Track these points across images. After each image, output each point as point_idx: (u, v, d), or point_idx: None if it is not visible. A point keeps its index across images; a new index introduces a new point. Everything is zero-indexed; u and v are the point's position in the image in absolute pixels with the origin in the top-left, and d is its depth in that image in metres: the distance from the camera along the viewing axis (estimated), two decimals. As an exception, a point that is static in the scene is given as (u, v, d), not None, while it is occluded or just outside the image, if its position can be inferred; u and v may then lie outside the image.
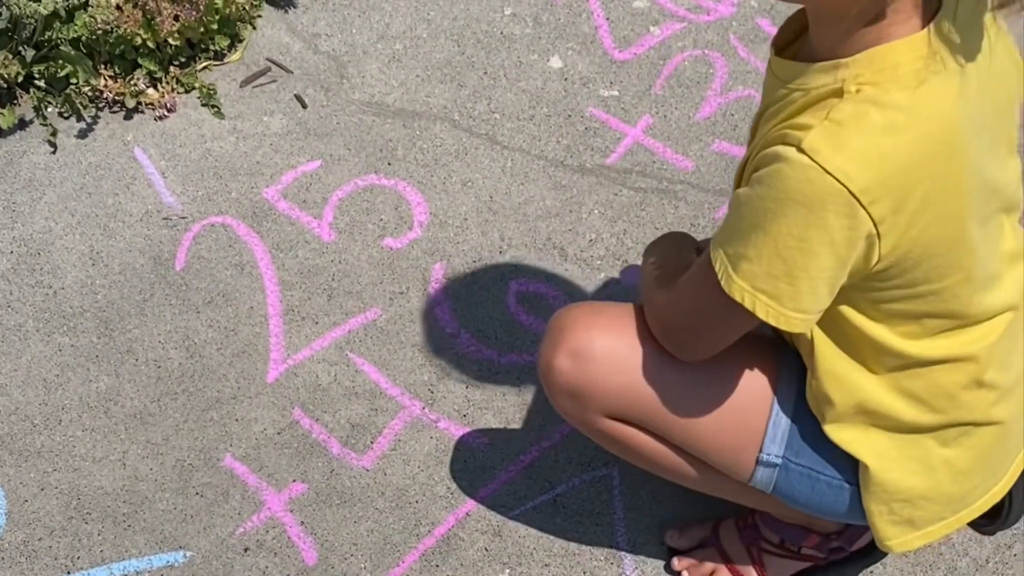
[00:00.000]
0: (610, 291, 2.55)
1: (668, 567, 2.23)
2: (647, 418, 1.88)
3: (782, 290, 1.57)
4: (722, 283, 1.61)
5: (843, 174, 1.48)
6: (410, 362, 2.46)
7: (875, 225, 1.52)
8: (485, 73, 2.88)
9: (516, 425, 2.39)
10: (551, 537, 2.27)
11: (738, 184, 1.73)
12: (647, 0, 3.01)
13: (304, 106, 2.82)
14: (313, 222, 2.64)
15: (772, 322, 1.60)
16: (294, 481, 2.32)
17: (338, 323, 2.51)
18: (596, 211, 2.65)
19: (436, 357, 2.47)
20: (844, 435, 1.80)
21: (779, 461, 1.85)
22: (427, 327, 2.50)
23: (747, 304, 1.60)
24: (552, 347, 1.88)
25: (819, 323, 1.71)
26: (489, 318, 2.52)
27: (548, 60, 2.90)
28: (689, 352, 1.79)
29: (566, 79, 2.87)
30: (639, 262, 2.55)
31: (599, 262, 2.58)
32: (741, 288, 1.60)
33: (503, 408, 2.41)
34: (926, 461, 1.81)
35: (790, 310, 1.59)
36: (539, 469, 2.34)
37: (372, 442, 2.37)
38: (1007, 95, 1.65)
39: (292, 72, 2.88)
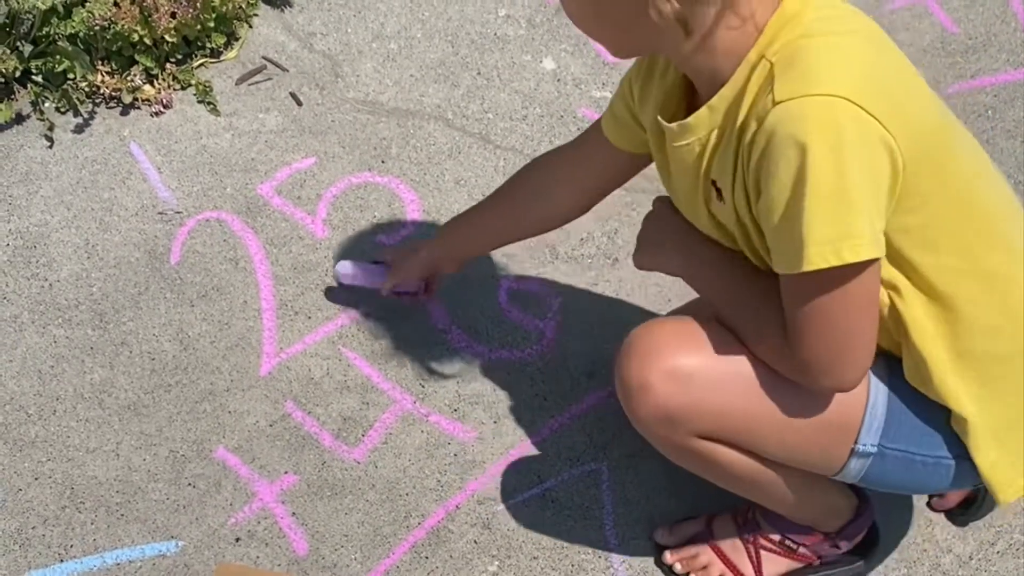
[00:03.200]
0: (601, 289, 2.57)
1: (659, 561, 2.25)
2: (743, 433, 1.86)
3: (851, 222, 1.57)
4: (807, 268, 1.60)
5: (827, 88, 1.53)
6: (402, 357, 2.48)
7: (880, 123, 1.55)
8: (479, 73, 2.90)
9: (506, 420, 2.41)
10: (540, 531, 2.29)
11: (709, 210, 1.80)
12: (640, 3, 3.03)
13: (299, 104, 2.84)
14: (307, 218, 2.66)
15: (864, 255, 1.58)
16: (286, 473, 2.34)
17: (330, 318, 2.53)
18: (587, 210, 2.68)
19: (428, 352, 2.49)
20: (948, 392, 1.79)
21: (874, 450, 1.85)
22: (419, 323, 2.53)
23: (833, 260, 1.58)
24: (643, 367, 1.83)
25: (890, 287, 1.74)
26: (480, 314, 2.54)
27: (541, 61, 2.93)
28: (848, 367, 1.73)
29: (559, 80, 2.90)
30: (630, 261, 2.58)
31: (590, 260, 2.61)
32: (819, 254, 1.58)
33: (493, 403, 2.43)
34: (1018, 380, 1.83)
35: (867, 235, 1.58)
36: (529, 463, 2.36)
37: (363, 435, 2.39)
38: None
39: (288, 70, 2.90)
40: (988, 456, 1.83)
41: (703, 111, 1.69)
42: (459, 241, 2.36)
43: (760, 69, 1.61)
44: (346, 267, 2.48)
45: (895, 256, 1.71)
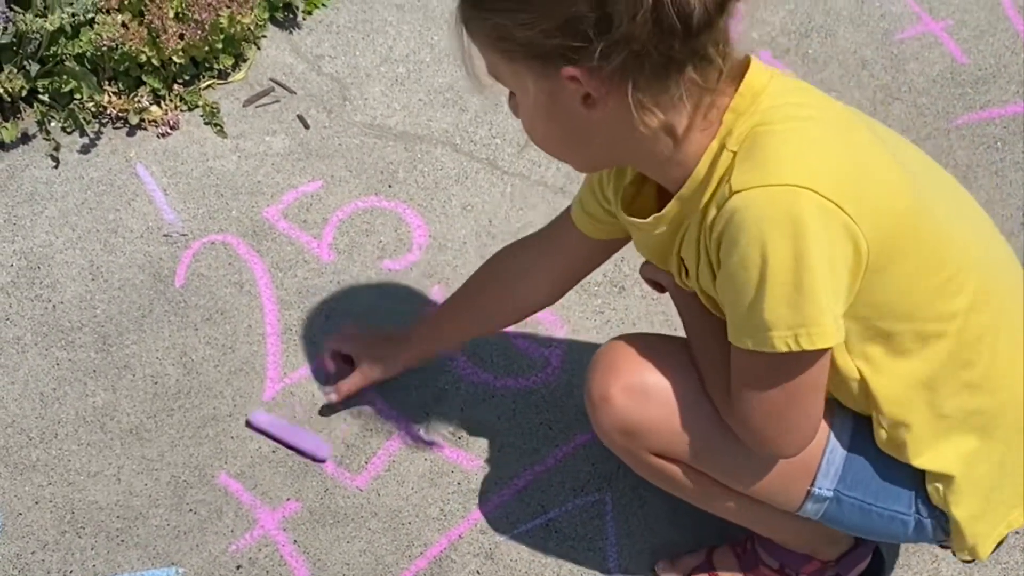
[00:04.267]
0: (607, 317, 2.56)
1: (658, 583, 2.24)
2: (698, 458, 1.89)
3: (809, 311, 1.58)
4: (765, 349, 1.62)
5: (785, 178, 1.54)
6: (406, 384, 2.46)
7: (841, 209, 1.55)
8: (487, 98, 2.89)
9: (510, 449, 2.40)
10: (543, 561, 2.27)
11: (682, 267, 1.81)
12: (649, 29, 3.03)
13: (306, 126, 2.83)
14: (313, 242, 2.65)
15: (818, 344, 1.60)
16: (288, 500, 2.32)
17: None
18: (594, 238, 2.67)
19: (432, 379, 2.47)
20: (931, 457, 1.81)
21: (830, 494, 1.87)
22: (424, 349, 2.51)
23: (792, 345, 1.60)
24: (606, 380, 1.88)
25: (861, 358, 1.74)
26: (485, 342, 2.52)
27: (550, 87, 2.92)
28: (789, 440, 1.76)
29: (567, 106, 2.88)
30: (637, 289, 2.57)
31: (596, 288, 2.59)
32: (782, 338, 1.60)
33: (498, 431, 2.42)
34: (1007, 438, 1.84)
35: (824, 324, 1.59)
36: (532, 493, 2.35)
37: (366, 462, 2.37)
38: None
39: (295, 93, 2.89)
40: (969, 510, 1.85)
41: (674, 204, 1.71)
42: (431, 341, 2.37)
43: (723, 159, 1.62)
44: (260, 416, 2.41)
45: (868, 328, 1.71)
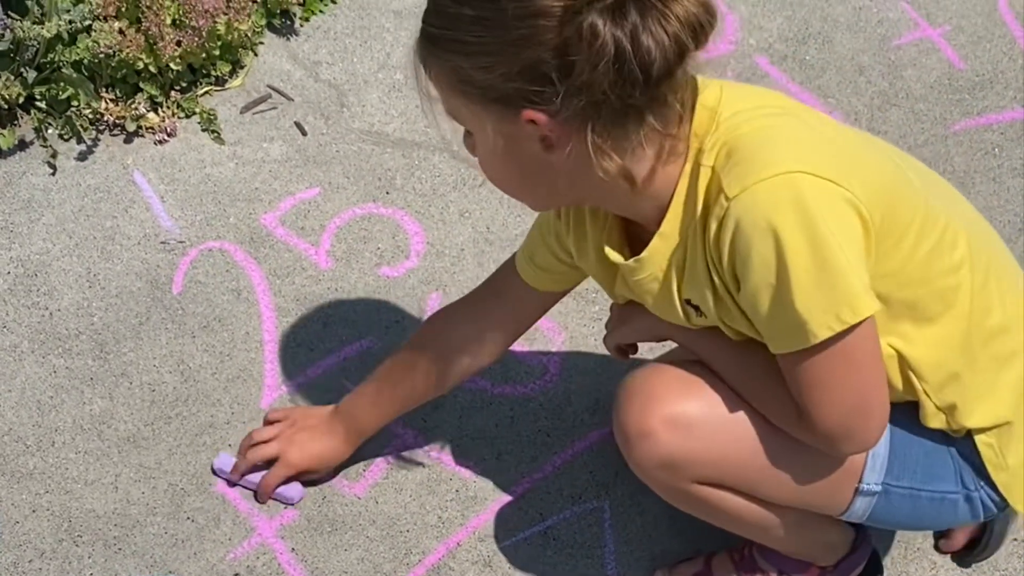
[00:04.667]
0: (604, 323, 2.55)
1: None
2: (745, 480, 1.87)
3: (841, 288, 1.58)
4: (810, 342, 1.61)
5: (776, 169, 1.55)
6: (404, 391, 2.46)
7: (836, 184, 1.56)
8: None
9: (508, 456, 2.39)
10: (541, 569, 2.27)
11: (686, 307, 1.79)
12: (647, 36, 3.02)
13: (304, 133, 2.83)
14: (311, 249, 2.65)
15: (863, 314, 1.59)
16: (285, 508, 2.32)
17: (333, 350, 2.51)
18: (592, 244, 2.66)
19: (430, 387, 2.47)
20: (986, 410, 1.82)
21: (879, 488, 1.86)
22: (422, 356, 2.51)
23: (835, 326, 1.59)
24: (645, 413, 1.82)
25: (891, 334, 1.74)
26: (484, 349, 2.52)
27: (547, 93, 2.92)
28: (867, 427, 1.73)
29: (565, 112, 2.88)
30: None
31: (594, 295, 2.59)
32: (822, 324, 1.60)
33: (495, 439, 2.41)
34: None
35: (858, 295, 1.59)
36: (530, 501, 2.35)
37: (364, 470, 2.37)
38: None
39: (292, 99, 2.89)
40: (1020, 454, 1.86)
41: (656, 242, 1.71)
42: (367, 419, 2.28)
43: (702, 176, 1.62)
44: (225, 462, 2.35)
45: (891, 303, 1.71)
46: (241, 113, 2.86)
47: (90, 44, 2.69)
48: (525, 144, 1.61)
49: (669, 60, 1.50)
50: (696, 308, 1.76)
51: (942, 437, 1.86)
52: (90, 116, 2.76)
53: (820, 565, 2.13)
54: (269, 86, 2.91)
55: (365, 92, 2.92)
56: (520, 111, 1.56)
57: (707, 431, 1.82)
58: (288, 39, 3.00)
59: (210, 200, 2.71)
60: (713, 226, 1.61)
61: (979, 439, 1.84)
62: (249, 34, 2.86)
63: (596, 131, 1.56)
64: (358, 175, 2.77)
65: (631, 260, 1.75)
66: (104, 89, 2.78)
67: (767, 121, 1.64)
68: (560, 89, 1.52)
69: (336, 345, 2.52)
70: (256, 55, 2.96)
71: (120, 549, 2.26)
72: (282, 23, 3.00)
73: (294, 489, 2.30)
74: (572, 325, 2.55)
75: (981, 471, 1.86)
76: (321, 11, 3.04)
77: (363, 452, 2.37)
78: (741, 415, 1.81)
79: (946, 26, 3.08)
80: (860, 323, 1.61)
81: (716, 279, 1.68)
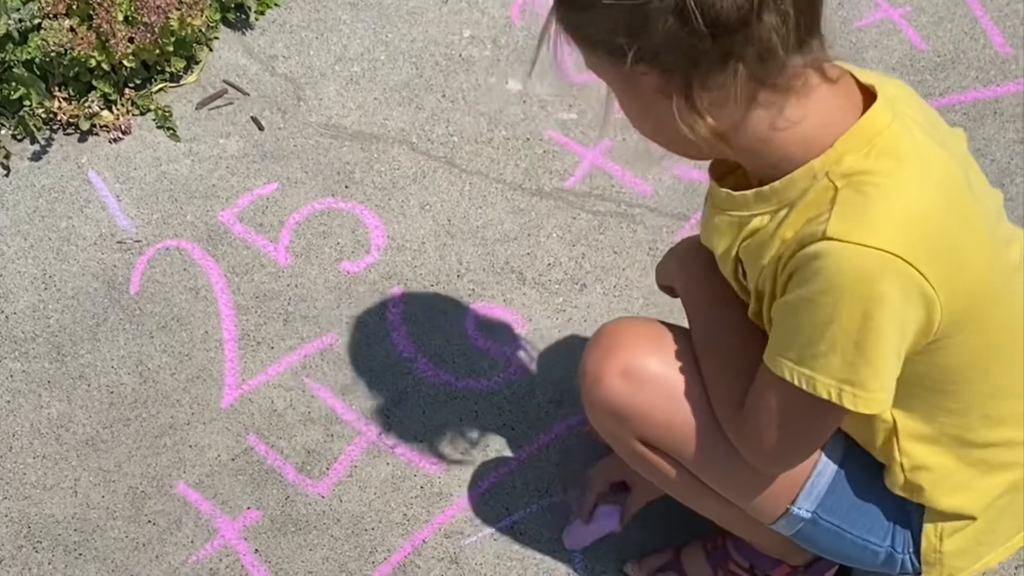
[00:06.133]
0: (569, 315, 2.53)
1: (623, 583, 2.23)
2: (684, 455, 1.86)
3: (864, 374, 1.56)
4: (804, 387, 1.60)
5: (881, 242, 1.50)
6: (367, 387, 2.43)
7: (925, 279, 1.52)
8: (443, 96, 2.86)
9: (473, 450, 2.37)
10: (508, 564, 2.25)
11: (734, 272, 1.76)
12: (606, 23, 3.00)
13: (261, 128, 2.80)
14: (269, 245, 2.62)
15: (861, 409, 1.59)
16: (248, 508, 2.29)
17: (294, 348, 2.48)
18: (555, 235, 2.64)
19: (393, 382, 2.44)
20: (955, 501, 1.80)
21: (808, 516, 1.85)
22: (384, 352, 2.48)
23: (834, 398, 1.58)
24: (603, 359, 1.84)
25: (895, 411, 1.73)
26: (447, 343, 2.50)
27: (507, 83, 2.89)
28: (784, 463, 1.76)
29: (525, 102, 2.86)
30: (598, 286, 2.55)
31: (557, 286, 2.57)
32: (827, 385, 1.58)
33: (460, 433, 2.39)
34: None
35: (874, 391, 1.58)
36: (497, 495, 2.32)
37: (328, 468, 2.34)
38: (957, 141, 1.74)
39: (249, 94, 2.86)
40: (958, 546, 1.85)
41: (749, 194, 1.66)
42: None
43: (823, 187, 1.57)
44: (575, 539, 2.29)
45: (920, 378, 1.68)
46: (197, 109, 2.82)
47: (40, 43, 2.64)
48: (646, 94, 1.58)
49: (741, 8, 1.48)
50: (744, 271, 1.74)
51: (895, 496, 1.85)
52: (43, 116, 2.72)
53: (791, 564, 2.11)
54: (225, 81, 2.87)
55: (322, 85, 2.88)
56: (631, 64, 1.54)
57: (659, 392, 1.82)
58: (243, 33, 2.96)
59: (166, 198, 2.68)
60: (796, 242, 1.57)
61: (927, 524, 1.84)
62: (203, 29, 2.83)
63: (694, 84, 1.53)
64: (316, 169, 2.74)
65: (724, 190, 1.71)
66: (57, 88, 2.73)
67: (906, 182, 1.55)
68: (648, 41, 1.50)
69: (297, 342, 2.49)
70: (211, 50, 2.92)
71: (81, 554, 2.23)
72: (236, 17, 2.96)
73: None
74: (536, 318, 2.53)
75: (918, 541, 1.86)
76: (276, 4, 3.00)
77: (326, 450, 2.35)
78: (700, 392, 1.81)
79: (907, 7, 3.06)
80: (841, 403, 1.59)
81: (768, 271, 1.64)
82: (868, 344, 1.54)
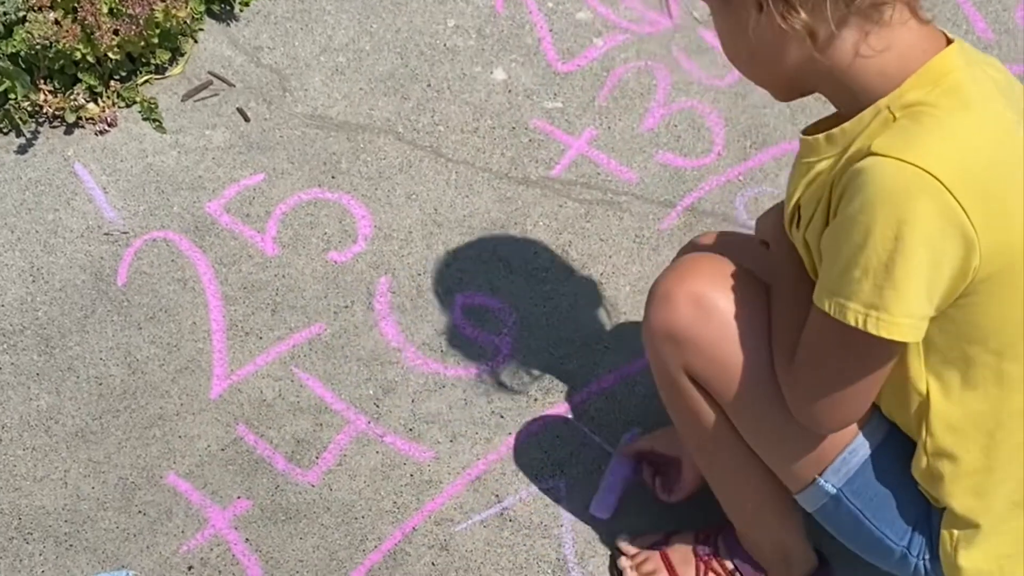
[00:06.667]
0: (556, 303, 2.54)
1: (613, 567, 2.24)
2: (728, 394, 1.85)
3: (889, 298, 1.55)
4: (836, 315, 1.59)
5: (921, 161, 1.49)
6: (355, 376, 2.44)
7: (966, 214, 1.50)
8: (429, 86, 2.87)
9: (463, 438, 2.38)
10: (498, 551, 2.25)
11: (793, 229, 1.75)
12: (590, 12, 3.01)
13: (247, 119, 2.80)
14: (256, 236, 2.62)
15: (883, 333, 1.57)
16: (238, 498, 2.29)
17: (282, 338, 2.49)
18: (541, 223, 2.65)
19: (382, 371, 2.45)
20: (968, 502, 1.77)
21: (833, 492, 1.84)
22: (372, 341, 2.49)
23: (860, 324, 1.57)
24: (679, 282, 1.84)
25: (930, 378, 1.71)
26: (435, 331, 2.50)
27: (492, 72, 2.90)
28: (825, 417, 1.73)
29: (510, 91, 2.86)
30: (584, 273, 2.55)
31: (544, 274, 2.57)
32: (855, 311, 1.57)
33: (449, 421, 2.39)
34: None
35: (897, 316, 1.56)
36: (486, 482, 2.33)
37: (317, 457, 2.35)
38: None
39: (234, 85, 2.86)
40: (976, 563, 1.81)
41: (821, 137, 1.67)
42: None
43: (883, 118, 1.58)
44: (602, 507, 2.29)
45: (951, 347, 1.67)
46: (182, 101, 2.82)
47: (25, 35, 2.64)
48: (743, 13, 1.60)
49: None
50: (799, 217, 1.73)
51: (923, 497, 1.83)
52: (28, 108, 2.72)
53: None
54: (210, 72, 2.87)
55: (307, 76, 2.88)
56: None
57: (723, 327, 1.81)
58: (228, 24, 2.96)
59: (153, 190, 2.68)
60: (854, 154, 1.58)
61: (944, 529, 1.82)
62: (188, 21, 2.82)
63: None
64: (303, 160, 2.74)
65: (804, 138, 1.71)
66: (42, 81, 2.73)
67: (963, 116, 1.56)
68: None
69: (285, 333, 2.49)
70: (196, 42, 2.92)
71: (71, 545, 2.24)
72: (221, 8, 2.96)
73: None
74: (523, 306, 2.54)
75: (934, 549, 1.84)
76: (261, -5, 3.00)
77: (315, 439, 2.35)
78: (761, 340, 1.80)
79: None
80: (884, 340, 1.58)
81: (823, 200, 1.64)
82: (897, 267, 1.52)
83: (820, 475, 1.84)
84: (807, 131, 1.74)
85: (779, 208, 1.92)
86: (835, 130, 1.64)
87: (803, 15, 1.56)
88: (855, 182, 1.54)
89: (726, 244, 2.07)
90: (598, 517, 2.26)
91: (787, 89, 1.74)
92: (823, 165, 1.66)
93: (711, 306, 1.81)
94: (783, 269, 1.84)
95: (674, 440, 2.18)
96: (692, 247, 2.12)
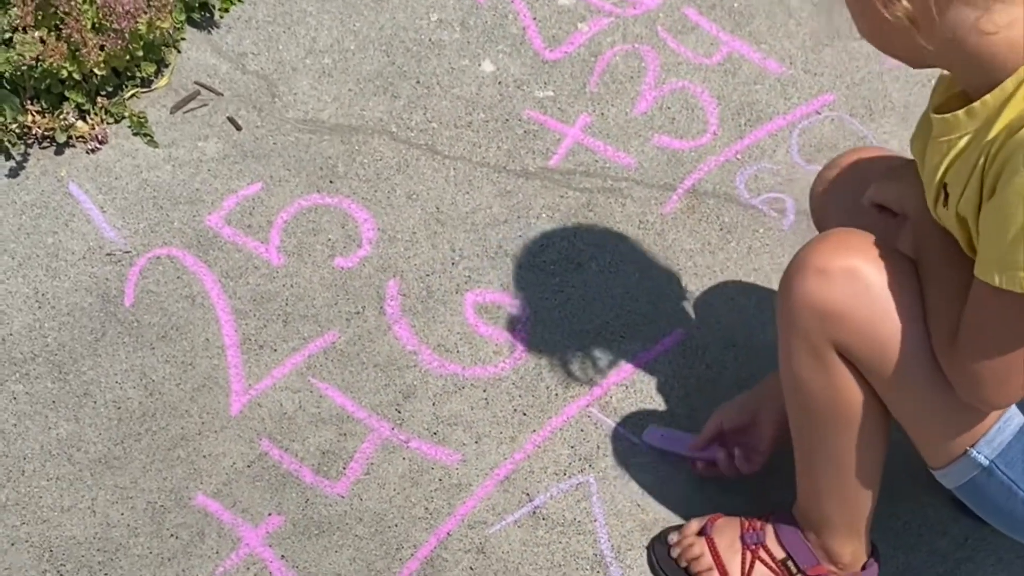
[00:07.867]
0: (567, 295, 2.54)
1: (656, 568, 2.23)
2: (881, 370, 1.81)
3: None
4: (1013, 288, 1.56)
5: None
6: (374, 383, 2.43)
7: None
8: (418, 82, 2.85)
9: (487, 439, 2.37)
10: (535, 550, 2.26)
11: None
12: (573, -3, 3.00)
13: (238, 128, 2.77)
14: (260, 247, 2.60)
15: None
16: (269, 514, 2.28)
17: (297, 348, 2.47)
18: (544, 215, 2.64)
19: (400, 375, 2.44)
20: None
21: (986, 463, 1.81)
22: (387, 346, 2.48)
23: None
24: (833, 254, 1.79)
25: None
26: (449, 332, 2.50)
27: (480, 64, 2.88)
28: (1001, 391, 1.69)
29: (500, 82, 2.85)
30: (592, 263, 2.55)
31: (553, 267, 2.57)
32: None
33: (472, 422, 2.39)
34: None
35: None
36: (515, 481, 2.33)
37: (344, 468, 2.34)
38: None
39: (222, 94, 2.83)
40: None
41: (960, 113, 1.64)
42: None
43: None
44: (654, 434, 2.36)
45: None
46: (172, 113, 2.79)
47: (13, 56, 2.60)
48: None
49: None
50: (946, 197, 1.71)
51: None
52: (17, 131, 2.68)
53: (834, 568, 2.12)
54: (196, 83, 2.84)
55: (295, 80, 2.86)
56: None
57: (878, 301, 1.77)
58: (210, 32, 2.93)
59: (151, 206, 2.65)
60: (1002, 134, 1.56)
61: None
62: (170, 31, 2.79)
63: None
64: (299, 166, 2.72)
65: (938, 116, 1.69)
66: (29, 101, 2.69)
67: None
68: None
69: (299, 343, 2.48)
70: (179, 52, 2.89)
71: (107, 574, 2.22)
72: (201, 16, 2.93)
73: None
74: (534, 300, 2.53)
75: None
76: (240, 1, 2.97)
77: (340, 449, 2.34)
78: (916, 315, 1.76)
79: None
80: None
81: (975, 174, 1.62)
82: None
83: (972, 447, 1.81)
84: (938, 110, 1.72)
85: (897, 179, 1.92)
86: (975, 104, 1.62)
87: (904, 3, 1.56)
88: (1018, 155, 1.52)
89: (870, 167, 2.04)
90: (644, 439, 2.30)
91: (918, 61, 1.73)
92: (964, 142, 1.65)
93: (866, 279, 1.77)
94: (930, 242, 1.81)
95: (740, 409, 2.19)
96: (834, 167, 2.10)
